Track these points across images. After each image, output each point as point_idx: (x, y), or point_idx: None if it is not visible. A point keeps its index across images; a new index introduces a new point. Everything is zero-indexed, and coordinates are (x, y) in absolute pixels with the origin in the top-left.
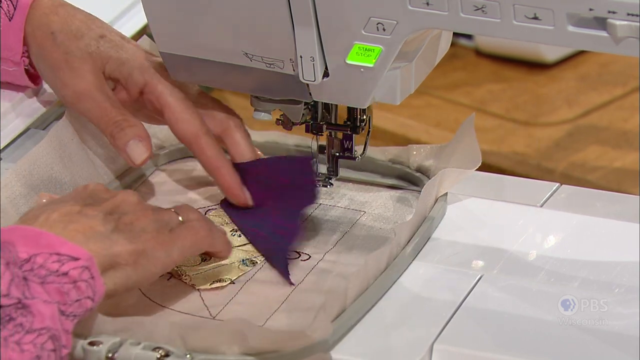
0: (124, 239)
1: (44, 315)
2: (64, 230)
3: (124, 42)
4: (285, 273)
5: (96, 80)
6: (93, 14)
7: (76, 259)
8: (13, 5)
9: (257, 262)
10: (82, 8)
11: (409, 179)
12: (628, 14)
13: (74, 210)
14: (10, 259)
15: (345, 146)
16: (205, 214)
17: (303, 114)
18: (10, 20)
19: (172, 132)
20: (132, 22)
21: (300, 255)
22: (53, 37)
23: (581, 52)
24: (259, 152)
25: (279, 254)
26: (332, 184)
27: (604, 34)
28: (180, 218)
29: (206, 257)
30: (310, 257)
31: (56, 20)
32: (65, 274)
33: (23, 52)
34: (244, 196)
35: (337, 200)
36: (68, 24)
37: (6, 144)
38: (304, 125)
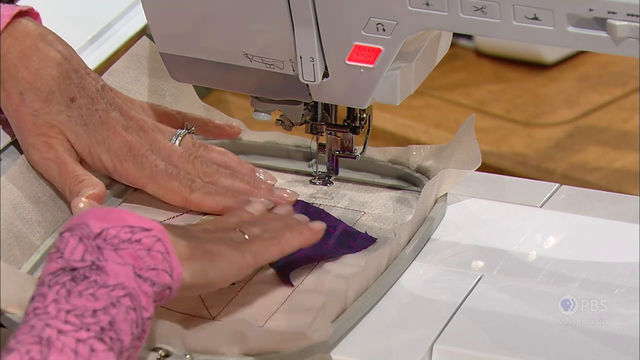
0: (196, 240)
1: (118, 274)
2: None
3: (92, 107)
4: (285, 276)
5: (62, 150)
6: (93, 15)
7: (148, 230)
8: None
9: None
10: (79, 9)
11: (409, 180)
12: (628, 15)
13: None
14: (83, 235)
15: (345, 146)
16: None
17: (303, 114)
18: None
19: None
20: (132, 22)
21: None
22: (22, 97)
23: (581, 53)
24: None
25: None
26: (332, 182)
27: (603, 34)
28: (246, 236)
29: None
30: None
31: (26, 77)
32: (138, 241)
33: None
34: (258, 208)
35: (337, 200)
36: (38, 82)
37: (6, 144)
38: (303, 126)
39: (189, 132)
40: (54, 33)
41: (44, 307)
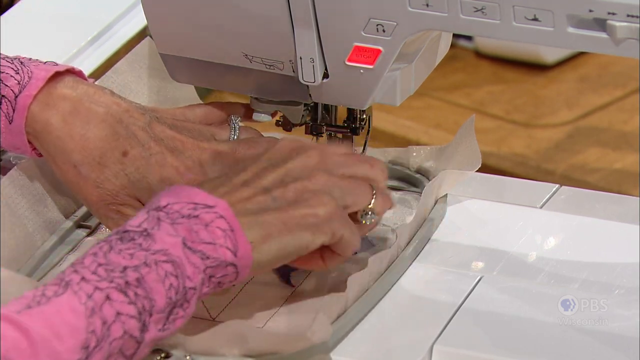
0: (267, 221)
1: (165, 242)
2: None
3: (147, 154)
4: (285, 276)
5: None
6: (93, 15)
7: (210, 207)
8: (12, 106)
9: None
10: (79, 9)
11: (409, 181)
12: (628, 15)
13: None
14: (150, 207)
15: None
16: None
17: (303, 115)
18: (10, 123)
19: None
20: (132, 23)
21: None
22: (77, 169)
23: (581, 54)
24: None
25: None
26: None
27: (603, 35)
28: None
29: None
30: None
31: (74, 148)
32: (196, 216)
33: (33, 149)
34: None
35: None
36: (86, 150)
37: None
38: (303, 126)
39: (238, 124)
40: (90, 84)
41: (82, 259)
